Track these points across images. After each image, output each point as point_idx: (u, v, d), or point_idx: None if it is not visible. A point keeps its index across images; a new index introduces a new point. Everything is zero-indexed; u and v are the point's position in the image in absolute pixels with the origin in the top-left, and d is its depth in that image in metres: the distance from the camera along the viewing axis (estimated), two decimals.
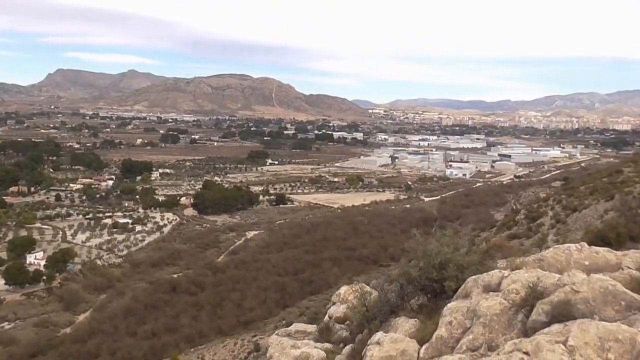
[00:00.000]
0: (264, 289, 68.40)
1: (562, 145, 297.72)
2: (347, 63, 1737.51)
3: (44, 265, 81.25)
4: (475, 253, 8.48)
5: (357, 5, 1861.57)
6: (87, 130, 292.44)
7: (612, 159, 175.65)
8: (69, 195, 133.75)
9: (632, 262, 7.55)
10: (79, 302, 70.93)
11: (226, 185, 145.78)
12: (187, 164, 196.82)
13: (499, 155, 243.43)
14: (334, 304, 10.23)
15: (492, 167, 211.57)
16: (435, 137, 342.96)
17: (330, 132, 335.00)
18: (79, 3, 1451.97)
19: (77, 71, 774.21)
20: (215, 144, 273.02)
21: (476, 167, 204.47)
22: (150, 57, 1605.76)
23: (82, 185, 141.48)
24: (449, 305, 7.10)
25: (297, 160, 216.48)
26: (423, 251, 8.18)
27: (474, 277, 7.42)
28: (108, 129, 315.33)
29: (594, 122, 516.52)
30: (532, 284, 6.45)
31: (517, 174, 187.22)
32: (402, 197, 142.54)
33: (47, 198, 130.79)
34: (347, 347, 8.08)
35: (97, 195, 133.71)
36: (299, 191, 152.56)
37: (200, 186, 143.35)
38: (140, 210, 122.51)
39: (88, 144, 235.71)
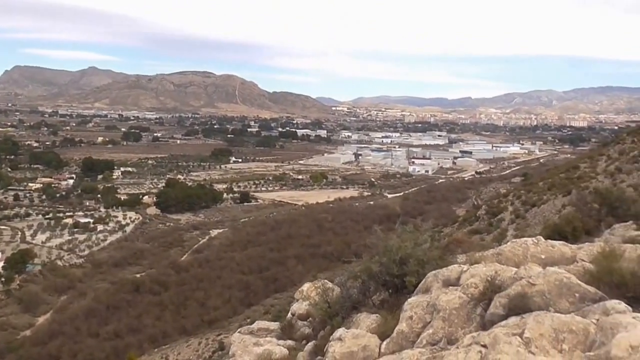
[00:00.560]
0: (228, 288, 68.05)
1: (521, 142, 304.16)
2: (310, 60, 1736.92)
3: (2, 266, 78.83)
4: (435, 248, 8.59)
5: (319, 3, 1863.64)
6: (46, 129, 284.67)
7: (569, 155, 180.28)
8: (27, 194, 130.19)
9: (586, 255, 7.75)
10: (38, 303, 69.13)
11: (189, 184, 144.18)
12: (150, 162, 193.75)
13: (461, 151, 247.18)
14: (296, 301, 10.22)
15: (454, 163, 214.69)
16: (398, 134, 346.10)
17: (294, 130, 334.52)
18: None
19: (36, 68, 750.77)
20: (178, 141, 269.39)
21: (438, 164, 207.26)
22: (111, 53, 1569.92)
23: (41, 185, 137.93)
24: (409, 300, 7.17)
25: (261, 158, 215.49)
26: (384, 247, 8.24)
27: (434, 272, 7.52)
28: (68, 127, 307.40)
29: (552, 119, 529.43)
30: (490, 278, 6.56)
31: (478, 170, 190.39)
32: (365, 194, 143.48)
33: (5, 198, 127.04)
34: (309, 343, 8.09)
35: (57, 195, 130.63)
36: (263, 189, 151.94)
37: (163, 184, 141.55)
38: (102, 209, 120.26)
39: (47, 143, 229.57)
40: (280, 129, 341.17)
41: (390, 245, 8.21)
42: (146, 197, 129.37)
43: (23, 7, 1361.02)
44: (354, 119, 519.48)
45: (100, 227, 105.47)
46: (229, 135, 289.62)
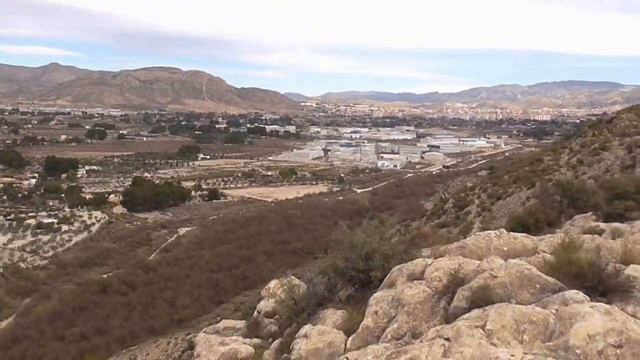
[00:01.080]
0: (197, 286, 67.46)
1: (487, 136, 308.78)
2: (278, 56, 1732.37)
3: None
4: (400, 242, 8.62)
5: None
6: (6, 127, 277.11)
7: (533, 148, 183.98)
8: None
9: (547, 246, 7.89)
10: (1, 307, 67.32)
11: (157, 182, 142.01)
12: (116, 160, 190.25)
13: (428, 146, 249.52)
14: (263, 298, 10.15)
15: (422, 157, 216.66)
16: (366, 129, 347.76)
17: (262, 126, 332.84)
18: None
19: None
20: (145, 139, 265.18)
21: (407, 158, 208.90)
22: (74, 49, 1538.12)
23: (2, 185, 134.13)
24: (375, 295, 7.18)
25: (229, 155, 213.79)
26: (350, 242, 8.23)
27: (399, 266, 7.54)
28: (29, 125, 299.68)
29: (517, 113, 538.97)
30: (454, 271, 6.61)
31: (445, 164, 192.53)
32: (335, 189, 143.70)
33: None
34: (275, 341, 8.04)
35: (19, 195, 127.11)
36: (232, 186, 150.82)
37: (130, 183, 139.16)
38: (66, 209, 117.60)
39: (8, 141, 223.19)
40: (248, 125, 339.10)
41: (355, 240, 8.20)
42: (112, 196, 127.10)
43: None
44: (323, 114, 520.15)
45: (64, 228, 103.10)
46: (196, 132, 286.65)
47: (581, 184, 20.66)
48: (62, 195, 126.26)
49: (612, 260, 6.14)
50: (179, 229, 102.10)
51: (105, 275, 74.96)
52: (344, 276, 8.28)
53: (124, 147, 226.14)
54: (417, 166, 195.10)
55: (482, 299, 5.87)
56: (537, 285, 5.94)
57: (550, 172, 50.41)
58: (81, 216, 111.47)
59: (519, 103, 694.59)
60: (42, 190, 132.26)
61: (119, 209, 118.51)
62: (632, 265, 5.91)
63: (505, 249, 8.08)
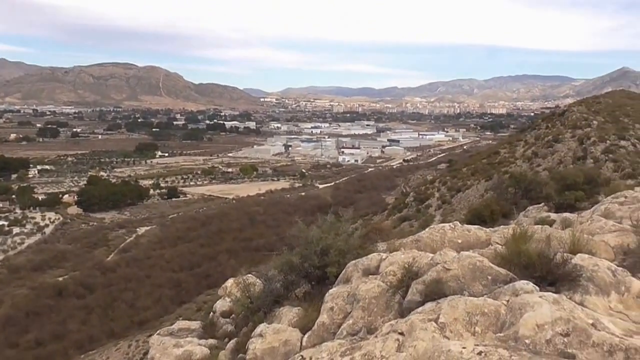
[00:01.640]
0: (158, 286, 66.41)
1: (445, 129, 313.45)
2: (236, 51, 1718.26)
3: None
4: (356, 237, 8.60)
5: None
6: None
7: (490, 141, 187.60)
8: None
9: (500, 237, 8.01)
10: None
11: (113, 180, 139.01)
12: (69, 159, 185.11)
13: (389, 140, 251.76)
14: (220, 297, 10.00)
15: (383, 152, 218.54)
16: (327, 125, 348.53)
17: (222, 122, 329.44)
18: None
19: None
20: (100, 137, 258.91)
21: (367, 153, 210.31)
22: (23, 44, 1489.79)
23: None
24: (330, 291, 7.13)
25: (188, 152, 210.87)
26: (305, 238, 8.17)
27: (354, 261, 7.51)
28: None
29: (474, 106, 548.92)
30: (408, 265, 6.62)
31: (405, 158, 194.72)
32: (297, 185, 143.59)
33: None
34: (231, 341, 7.91)
35: None
36: (191, 183, 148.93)
37: (85, 182, 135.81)
38: (18, 210, 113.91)
39: None
40: (207, 122, 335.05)
41: (310, 236, 8.14)
42: (66, 196, 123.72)
43: None
44: (283, 109, 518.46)
45: (16, 230, 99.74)
46: (154, 129, 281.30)
47: (534, 176, 21.17)
48: (13, 196, 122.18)
49: (561, 250, 6.25)
50: (137, 229, 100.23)
51: (60, 278, 72.93)
52: (300, 273, 8.21)
53: (78, 145, 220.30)
54: (378, 160, 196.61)
55: (435, 292, 5.89)
56: (489, 277, 6.00)
57: (506, 164, 51.58)
58: (34, 218, 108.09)
59: (476, 97, 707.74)
60: None
61: (74, 210, 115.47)
62: (579, 254, 6.02)
63: (460, 241, 8.16)
